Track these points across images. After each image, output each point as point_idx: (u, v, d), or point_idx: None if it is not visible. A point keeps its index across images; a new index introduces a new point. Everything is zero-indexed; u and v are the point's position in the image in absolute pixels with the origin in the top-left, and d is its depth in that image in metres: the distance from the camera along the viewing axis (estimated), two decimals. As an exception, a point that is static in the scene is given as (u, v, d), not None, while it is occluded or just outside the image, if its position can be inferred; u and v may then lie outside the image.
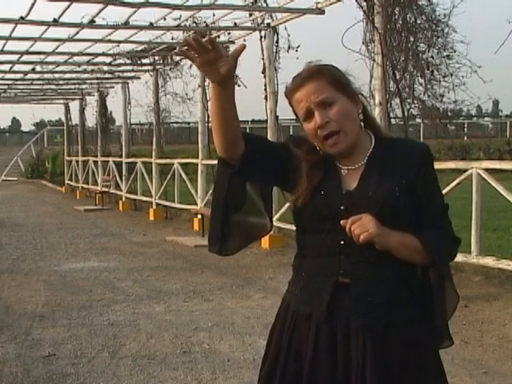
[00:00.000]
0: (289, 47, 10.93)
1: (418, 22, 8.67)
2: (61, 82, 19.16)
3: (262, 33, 11.05)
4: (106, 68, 16.14)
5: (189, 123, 30.81)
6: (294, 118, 2.14)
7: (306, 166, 2.09)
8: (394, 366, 2.00)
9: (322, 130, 2.03)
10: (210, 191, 12.94)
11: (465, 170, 7.41)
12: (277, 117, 10.94)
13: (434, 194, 2.10)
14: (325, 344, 2.04)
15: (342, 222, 1.97)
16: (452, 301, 2.10)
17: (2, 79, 17.44)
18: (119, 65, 15.74)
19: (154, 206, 15.62)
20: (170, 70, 15.68)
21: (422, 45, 8.75)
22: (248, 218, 2.18)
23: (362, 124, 2.11)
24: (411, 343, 2.04)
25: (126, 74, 17.38)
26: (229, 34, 12.50)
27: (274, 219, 10.31)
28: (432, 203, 2.08)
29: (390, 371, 2.00)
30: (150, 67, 15.77)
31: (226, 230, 2.12)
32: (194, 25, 12.03)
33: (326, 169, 2.10)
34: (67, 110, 25.61)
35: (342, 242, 2.03)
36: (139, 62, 15.39)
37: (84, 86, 20.68)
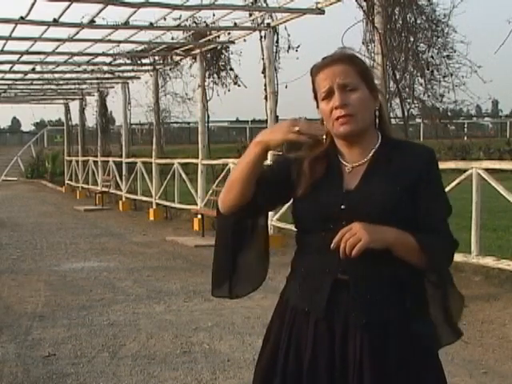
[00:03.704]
0: (289, 47, 10.96)
1: (418, 22, 8.68)
2: (61, 82, 19.16)
3: (262, 33, 11.05)
4: (106, 68, 16.14)
5: (189, 123, 30.78)
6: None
7: (309, 159, 2.10)
8: (391, 364, 1.99)
9: (338, 110, 2.04)
10: (210, 191, 12.97)
11: (465, 170, 7.41)
12: (277, 117, 10.94)
13: (436, 198, 2.08)
14: (324, 341, 2.04)
15: (332, 245, 1.95)
16: (456, 303, 2.11)
17: (2, 79, 17.43)
18: (119, 65, 15.74)
19: (154, 206, 15.61)
20: (170, 69, 15.69)
21: (422, 45, 8.77)
22: (253, 262, 2.23)
23: (377, 121, 2.13)
24: (409, 342, 2.03)
25: (126, 74, 17.38)
26: (229, 34, 12.50)
27: (274, 219, 10.30)
28: (433, 207, 2.06)
29: (387, 369, 1.99)
30: (150, 67, 15.78)
31: (232, 272, 2.20)
32: (194, 25, 12.05)
33: (329, 166, 2.10)
34: (67, 110, 25.62)
35: None
36: (139, 62, 15.39)
37: (84, 86, 20.68)
